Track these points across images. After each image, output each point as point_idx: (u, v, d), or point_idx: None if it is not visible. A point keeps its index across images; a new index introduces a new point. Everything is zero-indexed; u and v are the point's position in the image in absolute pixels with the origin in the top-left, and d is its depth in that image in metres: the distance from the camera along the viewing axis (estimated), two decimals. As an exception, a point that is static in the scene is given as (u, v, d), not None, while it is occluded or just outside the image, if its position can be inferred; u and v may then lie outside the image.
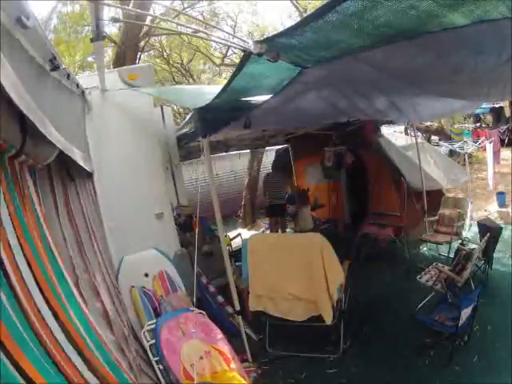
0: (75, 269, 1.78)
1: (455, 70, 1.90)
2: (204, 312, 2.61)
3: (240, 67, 1.59)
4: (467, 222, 4.92)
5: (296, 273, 2.71)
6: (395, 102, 3.02)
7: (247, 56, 1.46)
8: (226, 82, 1.92)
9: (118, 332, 2.01)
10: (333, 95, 2.50)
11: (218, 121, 2.42)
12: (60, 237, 1.75)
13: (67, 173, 2.10)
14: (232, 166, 8.49)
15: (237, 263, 3.58)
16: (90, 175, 2.74)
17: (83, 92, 2.75)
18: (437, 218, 4.46)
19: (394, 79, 2.12)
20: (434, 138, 9.87)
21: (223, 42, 4.28)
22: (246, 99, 2.38)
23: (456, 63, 1.81)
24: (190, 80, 10.03)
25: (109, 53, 7.47)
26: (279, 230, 5.39)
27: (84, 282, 1.85)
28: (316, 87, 2.20)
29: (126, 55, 5.31)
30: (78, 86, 2.51)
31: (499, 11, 1.20)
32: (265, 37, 1.62)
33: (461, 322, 2.32)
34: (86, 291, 1.79)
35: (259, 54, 1.39)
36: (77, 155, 2.07)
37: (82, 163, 2.22)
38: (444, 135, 9.14)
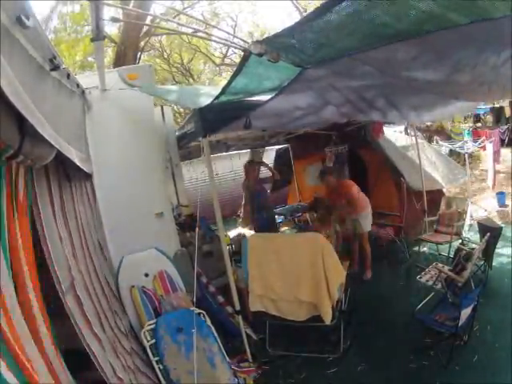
0: (71, 269, 1.78)
1: (456, 69, 1.90)
2: (204, 312, 2.61)
3: (240, 67, 1.59)
4: (467, 221, 4.91)
5: (296, 272, 2.71)
6: (395, 103, 3.01)
7: (247, 56, 1.46)
8: (226, 82, 1.92)
9: (109, 332, 2.01)
10: (333, 96, 2.49)
11: (218, 121, 2.42)
12: (56, 237, 1.74)
13: (65, 173, 2.10)
14: (232, 166, 8.48)
15: (237, 263, 3.58)
16: (88, 176, 2.73)
17: (83, 92, 2.75)
18: (437, 217, 4.45)
19: (394, 79, 2.11)
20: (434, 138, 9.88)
21: (223, 41, 4.28)
22: (247, 99, 2.37)
23: (456, 63, 1.81)
24: (190, 80, 10.04)
25: (109, 53, 7.47)
26: None
27: (79, 282, 1.85)
28: (316, 88, 2.19)
29: (126, 55, 5.31)
30: (77, 85, 2.50)
31: (499, 9, 1.20)
32: (265, 37, 1.62)
33: (461, 322, 2.32)
34: (80, 291, 1.79)
35: (259, 55, 1.38)
36: (75, 156, 2.07)
37: (80, 164, 2.21)
38: (444, 135, 9.14)
